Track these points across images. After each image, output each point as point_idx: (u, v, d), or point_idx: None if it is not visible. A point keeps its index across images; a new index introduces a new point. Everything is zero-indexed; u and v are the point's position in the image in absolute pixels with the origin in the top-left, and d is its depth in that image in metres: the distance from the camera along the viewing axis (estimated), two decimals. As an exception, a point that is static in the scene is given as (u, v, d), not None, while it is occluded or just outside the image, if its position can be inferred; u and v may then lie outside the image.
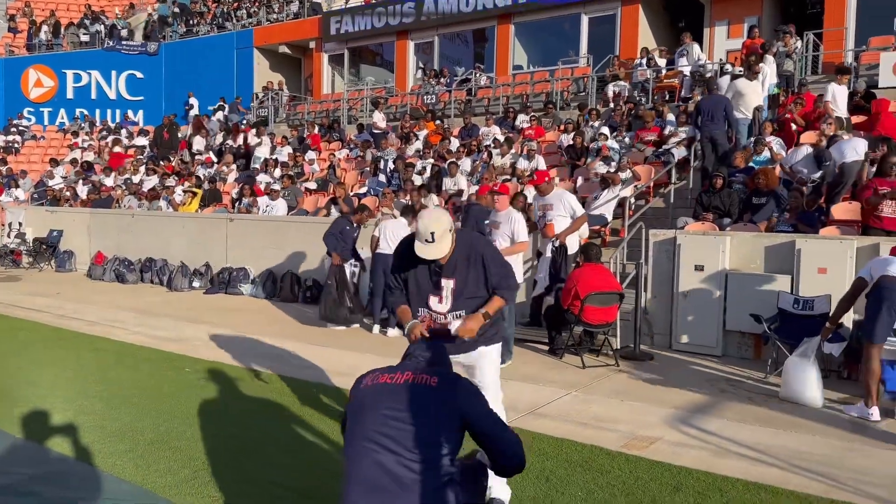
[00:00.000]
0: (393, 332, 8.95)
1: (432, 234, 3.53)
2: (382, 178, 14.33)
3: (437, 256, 3.59)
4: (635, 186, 11.23)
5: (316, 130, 19.41)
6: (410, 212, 9.50)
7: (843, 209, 9.20)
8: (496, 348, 4.10)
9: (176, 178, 17.36)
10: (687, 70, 15.47)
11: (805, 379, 6.09)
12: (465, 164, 13.62)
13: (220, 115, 23.48)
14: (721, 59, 16.15)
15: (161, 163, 19.32)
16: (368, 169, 15.43)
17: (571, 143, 13.25)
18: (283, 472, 4.50)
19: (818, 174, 9.71)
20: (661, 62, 16.50)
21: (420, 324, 3.75)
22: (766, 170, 9.61)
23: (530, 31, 20.09)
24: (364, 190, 14.33)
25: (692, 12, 18.21)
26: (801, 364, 6.12)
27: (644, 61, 16.40)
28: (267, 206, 13.78)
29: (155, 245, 14.36)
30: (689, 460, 4.69)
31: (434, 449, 2.63)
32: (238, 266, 12.98)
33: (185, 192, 15.72)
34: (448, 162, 13.50)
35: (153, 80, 28.15)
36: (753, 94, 11.62)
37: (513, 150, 13.62)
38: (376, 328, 9.27)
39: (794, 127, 11.34)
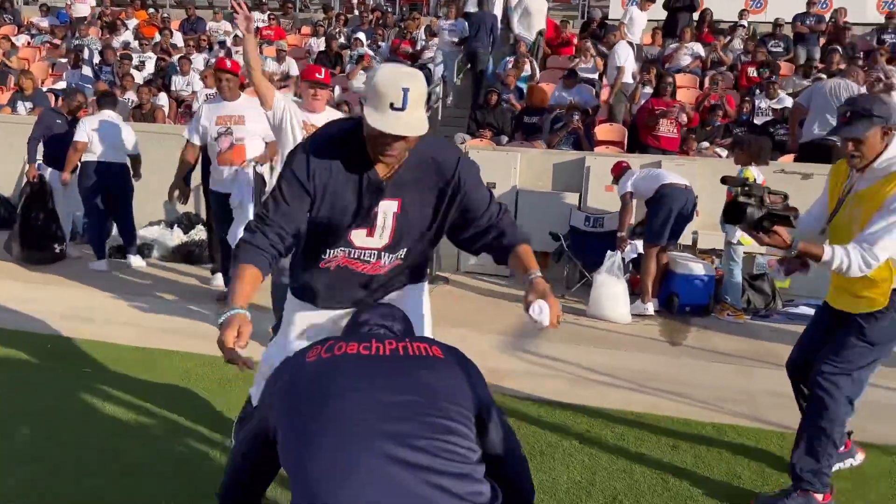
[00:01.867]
0: (137, 260, 7.07)
1: (405, 91, 1.99)
2: (87, 70, 11.60)
3: (415, 133, 2.03)
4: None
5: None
6: (109, 104, 7.19)
7: (605, 130, 9.45)
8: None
9: None
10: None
11: (614, 295, 6.11)
12: (198, 61, 11.59)
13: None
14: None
15: None
16: (65, 60, 12.41)
17: (324, 48, 11.94)
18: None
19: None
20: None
21: (244, 322, 1.97)
22: (537, 88, 9.47)
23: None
24: (62, 85, 11.45)
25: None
26: (609, 281, 6.12)
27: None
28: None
29: None
30: (550, 391, 4.26)
31: (470, 462, 1.60)
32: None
33: None
34: (178, 57, 11.38)
35: None
36: (539, 14, 11.37)
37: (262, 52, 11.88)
38: (101, 263, 6.92)
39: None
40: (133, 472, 3.05)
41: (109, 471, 3.05)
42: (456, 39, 11.05)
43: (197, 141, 5.50)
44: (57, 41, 13.57)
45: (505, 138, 8.95)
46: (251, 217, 4.77)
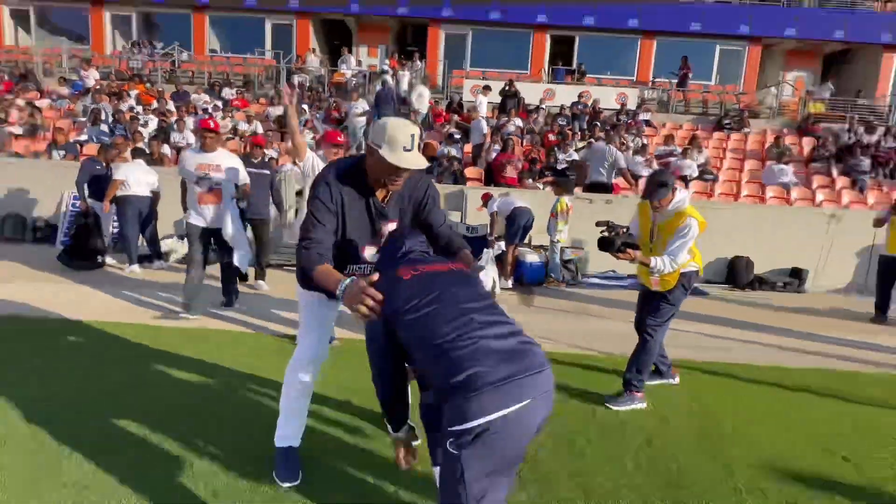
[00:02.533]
0: (134, 267, 6.17)
1: (412, 137, 1.85)
2: (104, 127, 10.22)
3: (422, 167, 1.88)
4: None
5: (7, 78, 13.05)
6: (141, 155, 6.58)
7: (471, 171, 9.56)
8: None
9: None
10: (349, 72, 14.37)
11: (485, 278, 6.07)
12: (189, 122, 10.51)
13: None
14: (369, 66, 15.36)
15: None
16: (84, 119, 10.86)
17: (280, 114, 11.22)
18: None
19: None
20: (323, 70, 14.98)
21: (364, 281, 1.65)
22: (429, 143, 9.43)
23: (223, 25, 16.35)
24: (84, 137, 10.05)
25: (345, 34, 16.89)
26: (485, 269, 6.10)
27: (318, 62, 14.75)
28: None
29: None
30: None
31: (511, 321, 1.62)
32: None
33: None
34: (175, 119, 10.27)
35: None
36: (426, 95, 11.63)
37: (231, 115, 10.99)
38: (135, 267, 6.12)
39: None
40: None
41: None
42: (359, 111, 10.78)
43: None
44: (71, 106, 11.85)
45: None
46: (244, 241, 4.64)
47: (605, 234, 2.98)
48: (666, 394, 3.40)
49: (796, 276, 7.26)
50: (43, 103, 12.08)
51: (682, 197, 3.06)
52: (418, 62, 14.25)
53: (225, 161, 4.44)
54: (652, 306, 3.21)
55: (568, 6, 15.20)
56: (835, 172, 10.40)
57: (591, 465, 2.50)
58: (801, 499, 2.31)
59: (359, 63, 15.30)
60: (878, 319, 5.69)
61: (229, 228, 4.41)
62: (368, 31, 16.67)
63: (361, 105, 11.00)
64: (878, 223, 5.88)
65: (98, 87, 12.58)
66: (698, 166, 9.88)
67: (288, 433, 2.24)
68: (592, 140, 9.89)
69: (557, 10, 15.23)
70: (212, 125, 4.44)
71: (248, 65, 15.21)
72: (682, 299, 3.19)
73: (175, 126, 10.05)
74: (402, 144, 1.82)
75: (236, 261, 4.61)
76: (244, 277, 5.32)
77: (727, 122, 12.77)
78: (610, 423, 2.96)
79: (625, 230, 3.04)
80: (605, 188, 7.73)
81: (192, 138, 9.83)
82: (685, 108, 14.22)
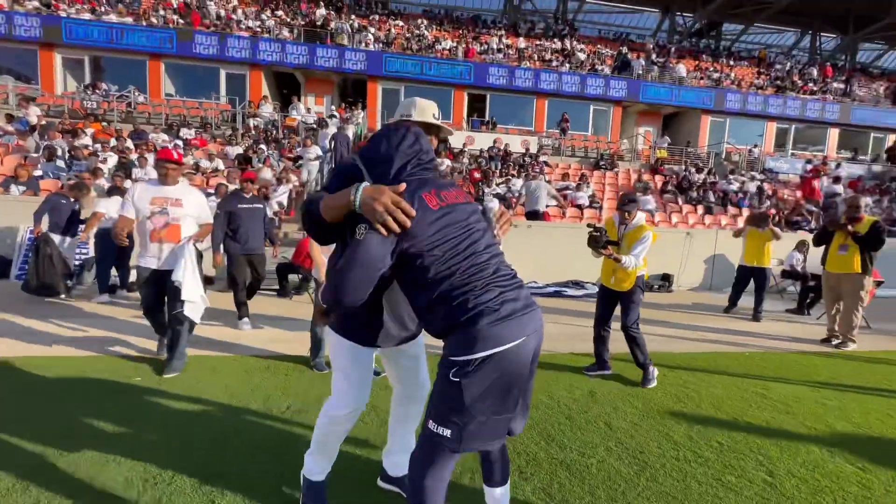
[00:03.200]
0: (104, 297, 5.26)
1: (438, 111, 1.75)
2: (60, 163, 8.83)
3: (451, 133, 1.78)
4: (294, 185, 9.42)
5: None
6: (117, 192, 5.87)
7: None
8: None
9: None
10: (299, 117, 13.73)
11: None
12: (151, 158, 9.40)
13: None
14: (316, 113, 14.82)
15: None
16: (36, 155, 9.31)
17: (241, 152, 10.42)
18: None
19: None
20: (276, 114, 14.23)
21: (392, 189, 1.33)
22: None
23: (178, 71, 14.95)
24: (39, 173, 8.60)
25: (294, 84, 16.19)
26: None
27: (271, 108, 13.95)
28: None
29: None
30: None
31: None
32: None
33: None
34: (137, 156, 9.13)
35: None
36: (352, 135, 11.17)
37: (192, 154, 9.99)
38: (105, 297, 5.31)
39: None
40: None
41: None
42: (312, 156, 10.32)
43: (131, 215, 3.24)
44: (20, 142, 10.13)
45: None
46: (198, 288, 3.25)
47: (594, 234, 3.25)
48: (610, 385, 3.48)
49: (666, 280, 7.98)
50: (-11, 139, 10.22)
51: (640, 216, 3.43)
52: (360, 111, 13.99)
53: (187, 196, 3.33)
54: (623, 309, 3.40)
55: (482, 70, 15.85)
56: (681, 201, 11.67)
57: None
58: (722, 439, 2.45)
59: (308, 110, 14.73)
60: (728, 311, 6.31)
61: (180, 273, 3.16)
62: (315, 83, 16.14)
63: (315, 150, 10.52)
64: (737, 234, 6.28)
65: (44, 122, 10.88)
66: (588, 197, 10.60)
67: (319, 469, 1.84)
68: (514, 177, 10.23)
69: (475, 72, 15.82)
70: (174, 156, 3.28)
71: (204, 108, 14.00)
72: (641, 296, 3.42)
73: (137, 162, 8.93)
74: (432, 112, 1.71)
75: (187, 311, 3.23)
76: (191, 329, 3.45)
77: (602, 163, 13.90)
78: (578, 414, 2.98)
79: (603, 232, 3.31)
80: (539, 216, 8.00)
81: (153, 173, 8.80)
82: (572, 152, 15.29)
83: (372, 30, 17.13)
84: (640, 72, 17.28)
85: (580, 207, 9.98)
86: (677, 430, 2.73)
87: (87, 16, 14.56)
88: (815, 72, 20.78)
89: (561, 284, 7.46)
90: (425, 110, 1.72)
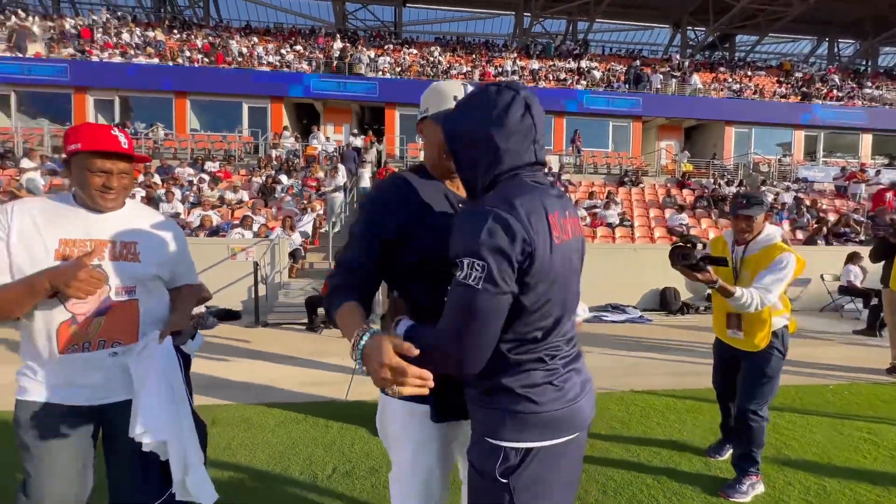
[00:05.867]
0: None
1: (465, 86, 1.19)
2: (90, 201, 8.92)
3: None
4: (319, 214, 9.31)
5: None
6: None
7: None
8: None
9: None
10: (319, 146, 13.83)
11: None
12: (178, 193, 9.46)
13: None
14: (335, 141, 14.94)
15: None
16: (68, 193, 9.41)
17: (263, 181, 10.44)
18: None
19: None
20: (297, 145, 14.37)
21: (399, 338, 0.88)
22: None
23: (203, 107, 15.34)
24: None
25: (313, 114, 16.46)
26: None
27: (292, 138, 14.12)
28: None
29: None
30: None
31: None
32: None
33: None
34: (165, 191, 9.17)
35: None
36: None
37: (219, 186, 10.04)
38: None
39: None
40: None
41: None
42: (331, 188, 9.97)
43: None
44: (57, 181, 10.32)
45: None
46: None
47: (683, 246, 1.93)
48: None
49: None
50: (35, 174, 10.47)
51: (772, 231, 2.17)
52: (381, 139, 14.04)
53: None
54: (744, 379, 2.21)
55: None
56: (713, 215, 11.17)
57: None
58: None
59: (327, 139, 14.86)
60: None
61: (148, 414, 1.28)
62: (333, 112, 16.36)
63: (335, 182, 10.45)
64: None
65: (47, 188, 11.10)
66: (618, 215, 10.22)
67: None
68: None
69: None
70: (120, 142, 1.46)
71: (227, 141, 14.25)
72: (780, 368, 2.16)
73: (164, 197, 8.97)
74: (454, 95, 1.16)
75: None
76: None
77: (626, 179, 13.53)
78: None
79: (703, 245, 2.05)
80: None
81: (180, 207, 8.81)
82: (594, 169, 14.98)
83: (387, 58, 17.40)
84: (659, 86, 17.06)
85: (611, 226, 9.60)
86: (790, 494, 2.29)
87: (117, 59, 15.14)
88: (836, 78, 20.25)
89: (599, 309, 7.05)
90: (444, 95, 1.17)
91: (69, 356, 1.26)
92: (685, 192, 12.63)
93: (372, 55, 17.41)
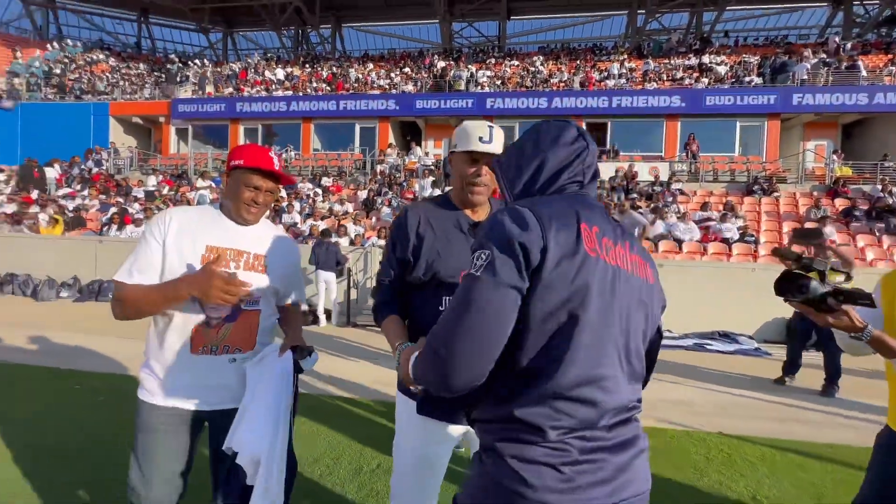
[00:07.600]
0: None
1: (491, 129, 1.29)
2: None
3: (497, 150, 1.27)
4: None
5: (169, 178, 14.43)
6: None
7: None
8: None
9: (38, 207, 11.19)
10: (418, 161, 14.69)
11: None
12: (297, 205, 10.90)
13: (56, 166, 15.58)
14: (434, 155, 15.69)
15: (21, 193, 12.46)
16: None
17: (366, 196, 11.46)
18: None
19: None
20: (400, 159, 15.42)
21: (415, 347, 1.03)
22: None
23: (323, 129, 17.50)
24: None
25: (416, 130, 17.56)
26: None
27: (395, 154, 15.24)
28: (132, 233, 9.43)
29: (17, 262, 8.71)
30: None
31: None
32: (109, 279, 8.34)
33: (50, 218, 10.12)
34: (286, 203, 10.67)
35: (8, 134, 18.49)
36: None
37: (331, 198, 11.32)
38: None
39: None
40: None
41: None
42: (417, 188, 10.65)
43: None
44: (215, 196, 12.70)
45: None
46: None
47: (796, 269, 1.27)
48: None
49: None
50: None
51: None
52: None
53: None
54: None
55: (598, 97, 15.08)
56: (877, 231, 8.97)
57: None
58: None
59: (426, 154, 15.68)
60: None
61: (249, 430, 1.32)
62: (434, 129, 17.23)
63: (425, 193, 10.99)
64: None
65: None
66: (738, 229, 8.84)
67: None
68: (638, 209, 9.16)
69: (590, 100, 15.13)
70: (273, 161, 1.61)
71: (341, 159, 15.99)
72: None
73: (286, 209, 10.40)
74: (479, 136, 1.28)
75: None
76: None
77: (756, 187, 11.63)
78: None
79: (844, 276, 1.36)
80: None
81: (297, 218, 10.10)
82: (714, 177, 13.20)
83: (487, 72, 17.73)
84: (805, 77, 14.36)
85: (727, 242, 8.34)
86: None
87: (262, 93, 18.12)
88: None
89: (704, 336, 6.15)
90: (470, 134, 1.29)
91: (199, 357, 1.33)
92: (838, 201, 10.37)
93: (473, 70, 17.92)
